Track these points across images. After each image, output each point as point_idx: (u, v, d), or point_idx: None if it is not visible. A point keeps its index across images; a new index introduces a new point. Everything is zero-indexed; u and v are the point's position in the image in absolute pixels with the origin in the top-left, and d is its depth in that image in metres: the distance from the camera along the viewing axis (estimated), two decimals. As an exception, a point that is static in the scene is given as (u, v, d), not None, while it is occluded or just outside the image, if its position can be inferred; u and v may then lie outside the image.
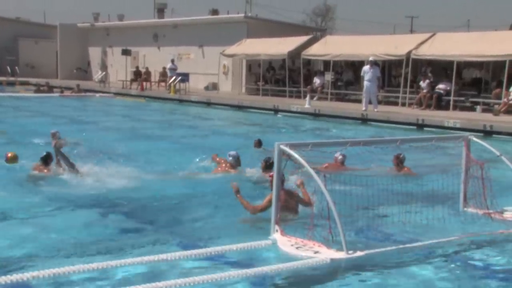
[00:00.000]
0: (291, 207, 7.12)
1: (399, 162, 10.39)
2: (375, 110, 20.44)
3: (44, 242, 6.44)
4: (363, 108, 20.61)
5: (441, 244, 6.42)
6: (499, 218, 7.31)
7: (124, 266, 5.40)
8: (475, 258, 6.24)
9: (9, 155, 9.96)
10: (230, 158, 10.12)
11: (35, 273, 5.07)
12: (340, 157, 10.34)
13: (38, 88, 31.95)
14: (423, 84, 22.11)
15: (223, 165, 10.18)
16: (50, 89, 31.79)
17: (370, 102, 20.72)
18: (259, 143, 12.69)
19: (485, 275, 5.84)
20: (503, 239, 6.74)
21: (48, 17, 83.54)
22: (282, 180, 6.63)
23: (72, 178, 9.40)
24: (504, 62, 19.73)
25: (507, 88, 19.87)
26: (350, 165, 10.31)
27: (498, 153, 7.53)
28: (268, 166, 8.87)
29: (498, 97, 20.46)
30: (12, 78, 37.07)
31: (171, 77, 29.72)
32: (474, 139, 7.68)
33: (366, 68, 20.91)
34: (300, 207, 7.26)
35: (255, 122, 20.77)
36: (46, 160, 9.65)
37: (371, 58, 21.37)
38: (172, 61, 31.10)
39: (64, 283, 5.17)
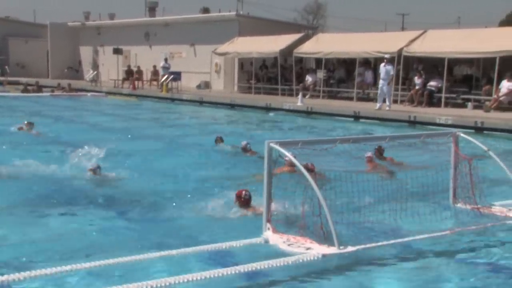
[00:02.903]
0: None
1: (380, 153, 10.81)
2: (387, 108, 20.40)
3: (46, 244, 6.46)
4: (376, 107, 20.56)
5: (432, 238, 6.48)
6: (487, 213, 7.38)
7: (114, 265, 5.41)
8: (465, 252, 6.30)
9: None
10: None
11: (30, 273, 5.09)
12: (370, 154, 10.38)
13: (25, 88, 31.03)
14: (418, 81, 22.17)
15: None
16: (39, 88, 31.14)
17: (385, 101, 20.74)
18: (221, 140, 13.07)
19: (474, 268, 5.90)
20: (491, 233, 6.81)
21: (38, 16, 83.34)
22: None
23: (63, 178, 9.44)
24: (494, 59, 19.83)
25: (497, 84, 19.99)
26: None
27: (485, 148, 7.61)
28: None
29: (488, 93, 20.59)
30: (2, 78, 36.84)
31: (163, 75, 29.70)
32: (462, 135, 7.75)
33: (381, 66, 20.94)
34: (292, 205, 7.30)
35: (248, 120, 20.80)
36: None
37: (386, 56, 21.22)
38: (166, 60, 31.08)
39: (58, 283, 5.20)
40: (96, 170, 9.54)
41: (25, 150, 12.45)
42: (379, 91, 21.02)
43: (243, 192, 7.58)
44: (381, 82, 20.76)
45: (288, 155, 6.32)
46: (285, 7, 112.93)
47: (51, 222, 7.34)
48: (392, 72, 20.88)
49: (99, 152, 10.15)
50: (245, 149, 11.97)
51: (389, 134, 8.12)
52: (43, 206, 7.94)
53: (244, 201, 7.54)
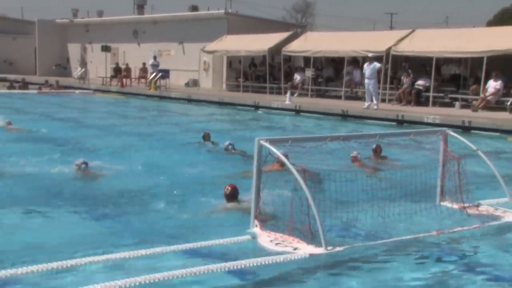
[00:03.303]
0: None
1: (378, 152, 10.85)
2: (375, 107, 20.34)
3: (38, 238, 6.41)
4: (364, 106, 20.55)
5: (418, 239, 6.48)
6: (474, 212, 7.41)
7: (98, 263, 5.39)
8: (452, 253, 6.31)
9: None
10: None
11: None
12: (355, 153, 10.40)
13: (11, 85, 30.80)
14: (405, 80, 22.20)
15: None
16: (26, 85, 30.93)
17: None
18: (209, 136, 12.83)
19: (461, 269, 5.90)
20: (479, 234, 6.83)
21: (26, 13, 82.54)
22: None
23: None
24: (482, 58, 19.94)
25: (485, 84, 20.09)
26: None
27: (474, 148, 7.63)
28: None
29: (476, 93, 20.69)
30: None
31: (152, 73, 29.59)
32: (452, 133, 7.76)
33: (365, 65, 20.85)
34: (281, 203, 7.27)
35: (236, 118, 20.76)
36: None
37: (370, 55, 21.13)
38: (155, 57, 30.94)
39: (42, 280, 5.15)
40: (81, 165, 9.49)
41: (10, 148, 12.36)
42: (366, 90, 21.02)
43: (226, 187, 7.55)
44: (366, 81, 20.68)
45: (277, 153, 6.28)
46: (274, 5, 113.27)
47: (40, 220, 7.28)
48: (378, 66, 20.69)
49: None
50: (226, 150, 11.85)
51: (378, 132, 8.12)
52: (33, 204, 7.86)
53: (227, 196, 7.49)
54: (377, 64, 20.56)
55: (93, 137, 14.42)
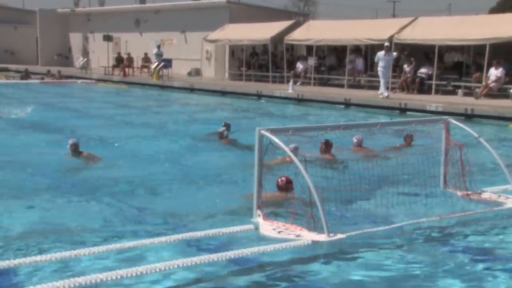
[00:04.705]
0: None
1: (410, 140, 10.95)
2: (380, 96, 20.21)
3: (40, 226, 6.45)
4: (379, 92, 20.37)
5: (421, 225, 6.51)
6: (477, 198, 7.43)
7: (107, 252, 5.40)
8: (454, 238, 6.35)
9: None
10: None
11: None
12: (356, 140, 10.52)
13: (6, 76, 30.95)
14: (408, 68, 22.15)
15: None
16: (28, 75, 30.99)
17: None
18: (228, 126, 12.56)
19: (463, 254, 5.93)
20: (481, 219, 6.86)
21: (27, 2, 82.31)
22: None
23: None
24: (484, 46, 19.86)
25: (487, 71, 20.03)
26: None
27: (476, 135, 7.64)
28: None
29: (479, 80, 20.64)
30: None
31: (155, 62, 29.57)
32: (453, 121, 7.77)
33: (380, 54, 20.53)
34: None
35: (239, 107, 20.76)
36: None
37: (386, 44, 20.86)
38: (158, 47, 30.84)
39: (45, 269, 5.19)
40: (72, 145, 9.59)
41: (14, 138, 12.41)
42: (381, 79, 20.72)
43: (281, 178, 7.32)
44: (383, 70, 20.34)
45: (278, 142, 6.29)
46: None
47: (44, 209, 7.32)
48: (394, 55, 20.57)
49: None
50: (221, 137, 11.77)
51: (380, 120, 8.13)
52: (35, 193, 7.90)
53: (279, 187, 7.31)
54: (394, 54, 20.48)
55: (96, 127, 14.45)
